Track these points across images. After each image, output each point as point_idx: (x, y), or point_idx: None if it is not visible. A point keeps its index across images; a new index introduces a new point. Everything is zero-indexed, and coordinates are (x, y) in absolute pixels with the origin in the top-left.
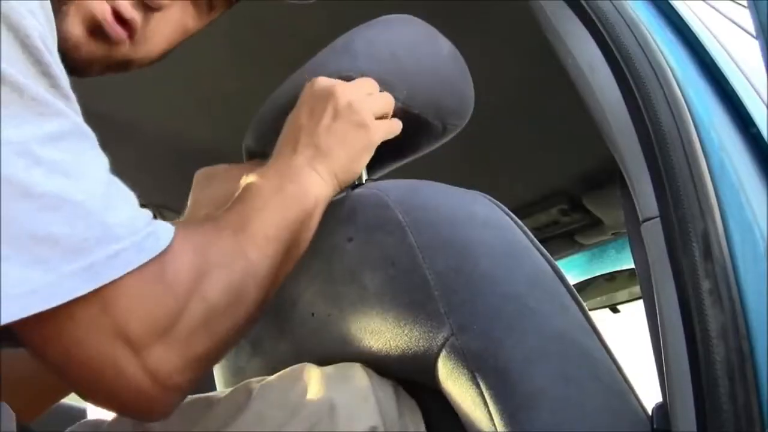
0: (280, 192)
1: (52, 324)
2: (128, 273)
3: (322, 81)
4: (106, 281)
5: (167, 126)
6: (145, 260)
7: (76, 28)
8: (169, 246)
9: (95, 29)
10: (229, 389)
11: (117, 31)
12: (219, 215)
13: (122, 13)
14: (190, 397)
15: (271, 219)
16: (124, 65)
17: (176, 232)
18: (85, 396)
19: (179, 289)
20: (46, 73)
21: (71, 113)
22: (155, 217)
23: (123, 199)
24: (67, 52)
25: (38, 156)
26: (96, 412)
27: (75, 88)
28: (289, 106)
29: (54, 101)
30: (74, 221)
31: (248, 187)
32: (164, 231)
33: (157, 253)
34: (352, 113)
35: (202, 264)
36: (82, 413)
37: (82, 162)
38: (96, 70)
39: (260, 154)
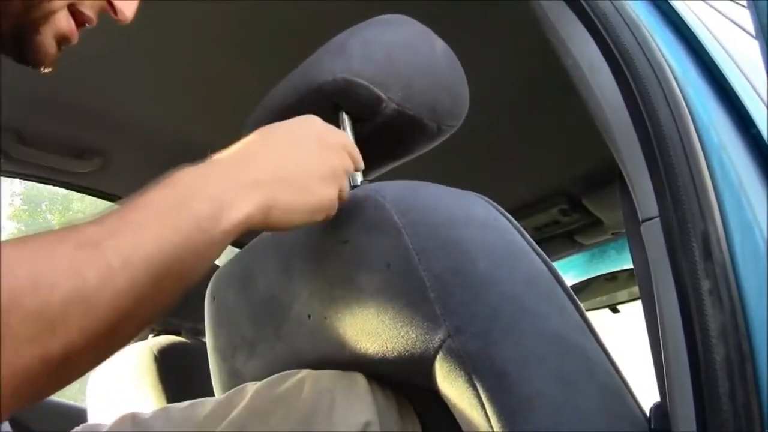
0: (180, 209)
1: None
2: None
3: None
4: None
5: (167, 126)
6: None
7: (51, 47)
8: None
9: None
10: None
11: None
12: (76, 225)
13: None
14: (188, 402)
15: (147, 240)
16: None
17: None
18: None
19: None
20: None
21: None
22: None
23: None
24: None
25: None
26: (95, 414)
27: (76, 87)
28: (284, 106)
29: None
30: None
31: (139, 195)
32: None
33: None
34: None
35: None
36: (82, 413)
37: None
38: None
39: None
